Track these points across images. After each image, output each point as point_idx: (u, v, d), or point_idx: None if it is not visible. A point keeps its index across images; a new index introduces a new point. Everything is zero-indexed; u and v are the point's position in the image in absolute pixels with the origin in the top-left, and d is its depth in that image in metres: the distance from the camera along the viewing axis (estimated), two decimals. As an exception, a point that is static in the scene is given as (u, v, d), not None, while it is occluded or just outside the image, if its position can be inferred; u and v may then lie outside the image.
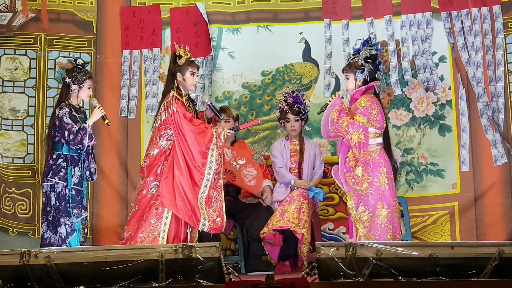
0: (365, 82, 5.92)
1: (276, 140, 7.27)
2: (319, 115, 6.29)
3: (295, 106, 6.88)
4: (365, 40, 6.02)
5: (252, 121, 6.78)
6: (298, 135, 6.95)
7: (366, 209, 5.72)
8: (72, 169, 6.00)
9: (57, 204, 5.95)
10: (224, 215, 5.88)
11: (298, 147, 6.92)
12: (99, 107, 6.13)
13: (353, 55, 6.00)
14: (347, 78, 5.97)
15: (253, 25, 7.78)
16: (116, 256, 4.55)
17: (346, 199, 5.99)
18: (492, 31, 7.28)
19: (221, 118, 6.42)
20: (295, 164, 6.89)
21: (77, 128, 5.98)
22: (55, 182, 5.96)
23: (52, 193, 5.97)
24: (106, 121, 6.15)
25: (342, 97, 6.02)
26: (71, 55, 7.30)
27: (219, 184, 5.91)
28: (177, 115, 5.91)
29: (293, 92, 7.08)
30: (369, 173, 5.77)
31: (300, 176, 6.84)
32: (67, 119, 5.99)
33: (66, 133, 5.95)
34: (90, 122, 6.09)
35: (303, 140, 6.97)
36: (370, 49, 5.94)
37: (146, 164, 5.99)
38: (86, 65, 6.27)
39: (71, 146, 5.99)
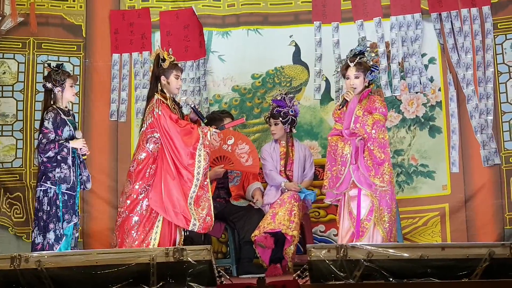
0: (369, 83, 5.94)
1: (266, 143, 7.27)
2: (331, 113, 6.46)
3: (274, 110, 6.88)
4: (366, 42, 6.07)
5: (237, 120, 6.73)
6: (285, 137, 6.93)
7: (385, 209, 5.74)
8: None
9: (48, 209, 5.91)
10: (213, 213, 5.91)
11: (286, 149, 6.91)
12: (82, 140, 6.05)
13: (355, 55, 5.93)
14: (356, 78, 5.87)
15: (243, 28, 7.79)
16: (107, 260, 4.54)
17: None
18: (481, 31, 7.30)
19: (205, 120, 6.37)
20: (285, 167, 6.88)
21: (53, 136, 5.91)
22: (48, 187, 5.92)
23: (45, 198, 5.93)
24: (84, 157, 6.12)
25: None
26: (60, 59, 7.30)
27: (205, 183, 5.92)
28: (162, 117, 5.90)
29: (281, 95, 7.05)
30: None
31: (290, 178, 6.83)
32: (48, 124, 5.95)
33: (41, 135, 5.93)
34: (71, 145, 5.97)
35: (292, 142, 6.96)
36: (374, 53, 6.02)
37: (134, 169, 5.96)
38: (61, 65, 6.20)
39: (40, 151, 5.91)
